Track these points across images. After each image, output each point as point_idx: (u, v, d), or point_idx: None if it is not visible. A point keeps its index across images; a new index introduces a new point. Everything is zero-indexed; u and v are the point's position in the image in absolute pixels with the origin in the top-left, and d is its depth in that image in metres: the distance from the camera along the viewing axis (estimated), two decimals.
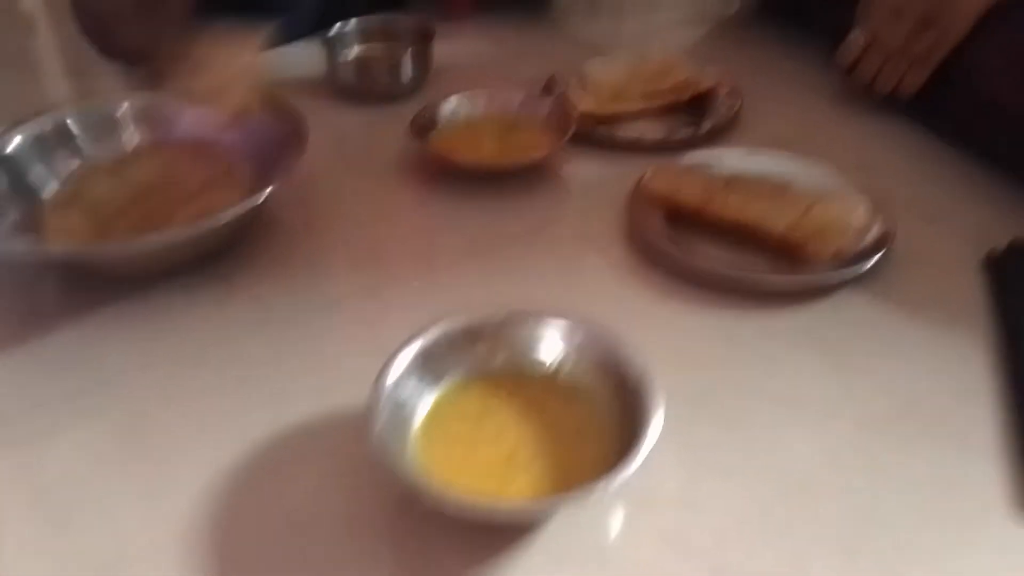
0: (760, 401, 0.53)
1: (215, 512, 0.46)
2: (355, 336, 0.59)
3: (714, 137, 0.81)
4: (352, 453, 0.48)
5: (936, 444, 0.51)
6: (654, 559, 0.44)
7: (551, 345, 0.50)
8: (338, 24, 0.95)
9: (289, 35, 1.01)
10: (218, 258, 0.65)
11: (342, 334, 0.59)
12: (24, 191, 0.67)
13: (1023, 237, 0.64)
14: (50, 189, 0.69)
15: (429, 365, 0.48)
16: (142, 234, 0.64)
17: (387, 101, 0.89)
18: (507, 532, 0.45)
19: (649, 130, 0.83)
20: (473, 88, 0.84)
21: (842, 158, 0.75)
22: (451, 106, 0.81)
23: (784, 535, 0.45)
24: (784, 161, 0.73)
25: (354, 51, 0.96)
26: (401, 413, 0.46)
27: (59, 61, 1.09)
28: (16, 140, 0.69)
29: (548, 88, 0.88)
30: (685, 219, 0.68)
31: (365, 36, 0.96)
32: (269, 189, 0.62)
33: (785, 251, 0.64)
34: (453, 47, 0.99)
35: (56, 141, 0.71)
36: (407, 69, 0.90)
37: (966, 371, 0.56)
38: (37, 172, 0.69)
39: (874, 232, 0.64)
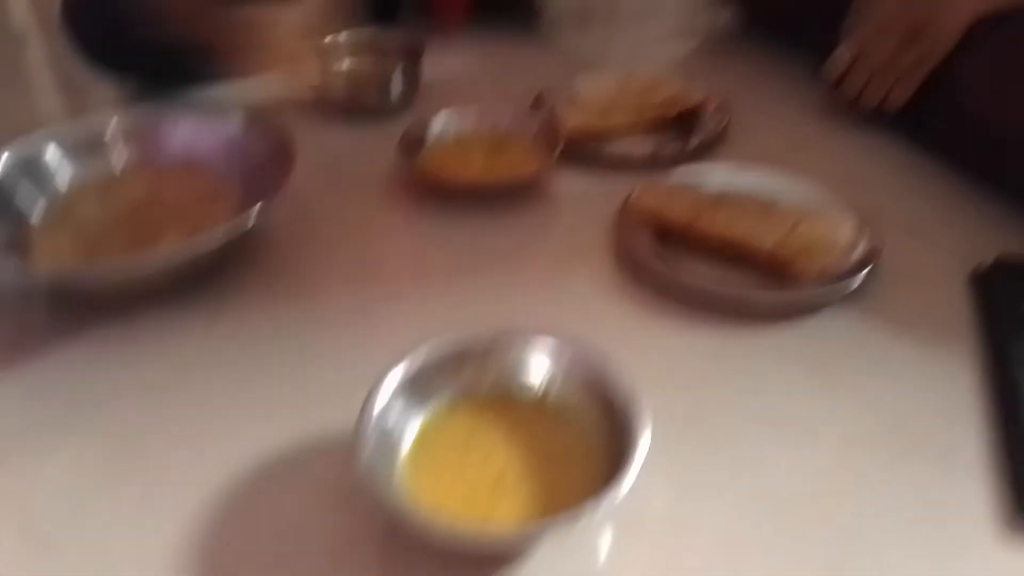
0: (747, 420, 0.54)
1: (202, 538, 0.46)
2: (342, 358, 0.59)
3: (702, 153, 0.81)
4: (339, 479, 0.48)
5: (922, 463, 0.51)
6: None
7: (539, 366, 0.50)
8: (327, 38, 0.95)
9: None
10: (206, 278, 0.65)
11: (330, 356, 0.59)
12: (12, 213, 0.67)
13: (1009, 253, 0.65)
14: (39, 210, 0.69)
15: (416, 389, 0.48)
16: (131, 255, 0.64)
17: (377, 117, 0.90)
18: (496, 558, 0.45)
19: (638, 146, 0.83)
20: (463, 104, 0.84)
21: (829, 173, 0.75)
22: (440, 123, 0.82)
23: (772, 555, 0.46)
24: (771, 177, 0.73)
25: (343, 66, 0.96)
26: (388, 439, 0.46)
27: (50, 76, 1.09)
28: (3, 161, 0.69)
29: (537, 104, 0.88)
30: (673, 236, 0.68)
31: (353, 53, 0.96)
32: (257, 210, 0.62)
33: (773, 268, 0.64)
34: (443, 62, 1.00)
35: (44, 162, 0.71)
36: (397, 85, 0.90)
37: (952, 388, 0.56)
38: (25, 193, 0.69)
39: (861, 249, 0.64)
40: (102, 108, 0.95)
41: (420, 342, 0.49)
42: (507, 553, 0.45)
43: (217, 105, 0.88)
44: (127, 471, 0.51)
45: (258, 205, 0.62)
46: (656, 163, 0.79)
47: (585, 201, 0.76)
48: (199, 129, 0.74)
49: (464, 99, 0.86)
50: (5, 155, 0.69)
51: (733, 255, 0.66)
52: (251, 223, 0.61)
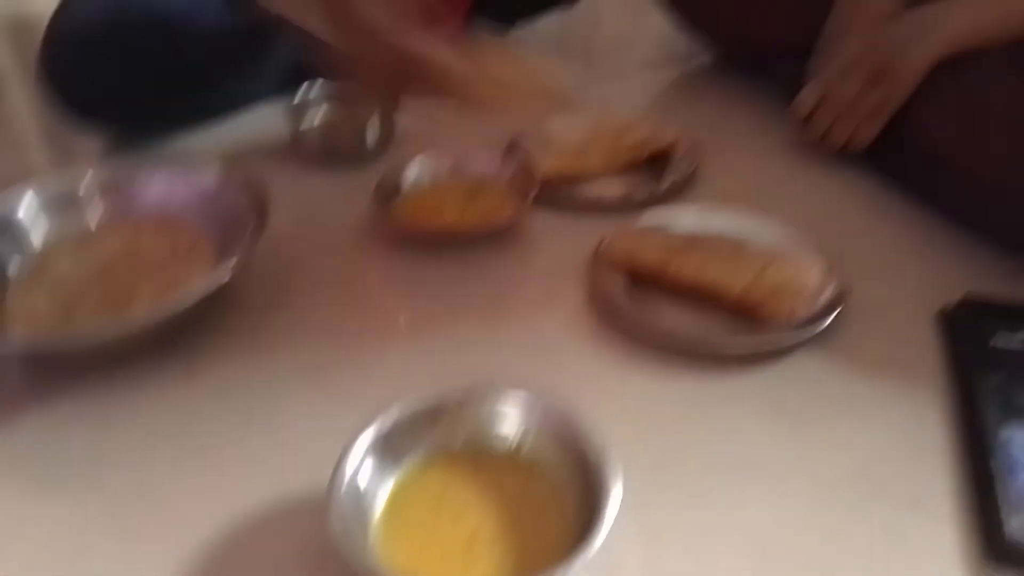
0: (719, 467, 0.54)
1: None
2: (316, 415, 0.59)
3: (674, 194, 0.82)
4: (313, 540, 0.48)
5: (892, 505, 0.51)
6: None
7: (511, 421, 0.50)
8: (302, 89, 0.96)
9: (255, 97, 1.03)
10: (181, 336, 0.65)
11: (303, 413, 0.59)
12: None
13: (974, 292, 0.66)
14: (13, 267, 0.69)
15: (388, 448, 0.48)
16: (106, 314, 0.64)
17: (352, 165, 0.90)
18: None
19: (611, 188, 0.84)
20: (438, 150, 0.85)
21: (798, 213, 0.76)
22: (415, 171, 0.82)
23: None
24: (741, 218, 0.74)
25: (318, 116, 0.97)
26: (361, 499, 0.46)
27: (33, 125, 1.09)
28: None
29: (511, 149, 0.89)
30: (646, 280, 0.69)
31: (328, 101, 0.97)
32: (231, 265, 0.62)
33: (742, 311, 0.65)
34: (418, 107, 1.00)
35: (18, 218, 0.71)
36: (372, 133, 0.91)
37: (921, 429, 0.57)
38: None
39: (829, 291, 0.65)
40: (84, 158, 0.96)
41: (394, 398, 0.50)
42: None
43: (192, 157, 0.89)
44: (101, 537, 0.51)
45: (233, 261, 0.62)
46: (629, 205, 0.80)
47: (559, 244, 0.76)
48: (174, 182, 0.74)
49: (439, 145, 0.87)
50: None
51: (705, 297, 0.67)
52: (226, 279, 0.62)
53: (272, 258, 0.74)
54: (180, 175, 0.75)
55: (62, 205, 0.73)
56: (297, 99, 0.95)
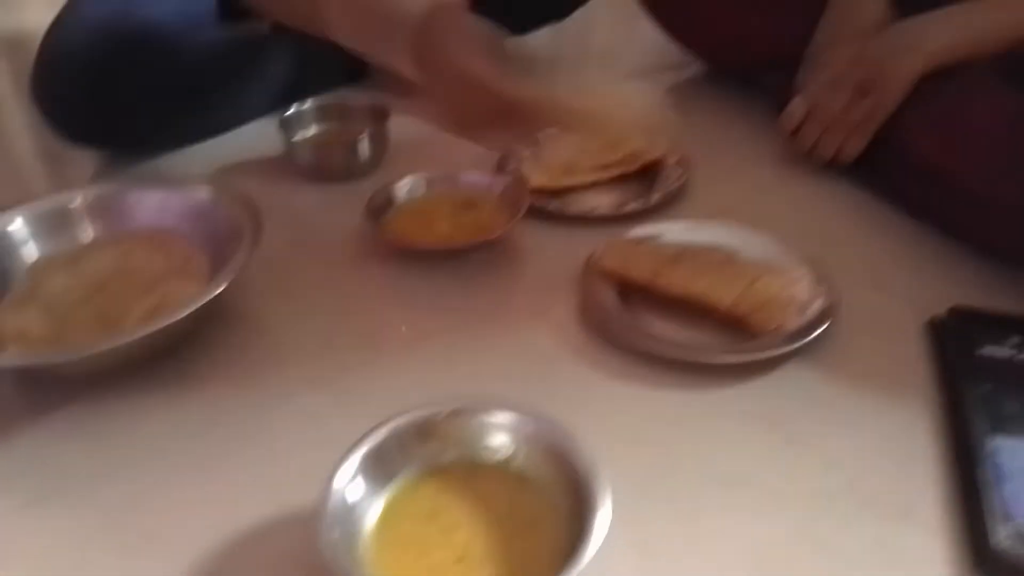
0: (709, 482, 0.54)
1: None
2: (307, 432, 0.59)
3: (663, 207, 0.83)
4: (304, 556, 0.48)
5: (882, 517, 0.52)
6: None
7: (501, 438, 0.50)
8: (294, 105, 0.97)
9: (249, 115, 1.03)
10: (174, 352, 0.65)
11: (294, 430, 0.59)
12: None
13: (962, 303, 0.66)
14: (6, 285, 0.69)
15: (379, 466, 0.48)
16: (100, 329, 0.65)
17: (345, 180, 0.91)
18: None
19: (601, 201, 0.85)
20: (430, 165, 0.85)
21: (787, 224, 0.77)
22: (407, 186, 0.83)
23: None
24: (730, 231, 0.75)
25: (310, 132, 0.97)
26: (352, 517, 0.46)
27: (27, 141, 1.09)
28: None
29: (502, 163, 0.90)
30: (636, 291, 0.69)
31: (321, 117, 0.98)
32: (224, 283, 0.62)
33: (732, 323, 0.66)
34: (411, 122, 1.01)
35: (10, 236, 0.71)
36: (364, 149, 0.92)
37: (910, 440, 0.57)
38: None
39: (818, 303, 0.66)
40: (78, 175, 0.96)
41: (386, 413, 0.50)
42: None
43: (184, 175, 0.89)
44: (98, 548, 0.51)
45: (226, 277, 0.63)
46: (619, 218, 0.81)
47: (550, 258, 0.77)
48: (167, 199, 0.74)
49: (431, 159, 0.87)
50: None
51: (695, 308, 0.67)
52: (217, 295, 0.62)
53: (265, 273, 0.74)
54: (173, 191, 0.75)
55: (55, 222, 0.73)
56: (290, 114, 0.96)
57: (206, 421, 0.60)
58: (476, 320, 0.70)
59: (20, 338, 0.64)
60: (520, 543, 0.46)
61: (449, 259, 0.76)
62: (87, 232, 0.74)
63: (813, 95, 0.86)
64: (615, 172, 0.88)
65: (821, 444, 0.57)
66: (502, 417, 0.51)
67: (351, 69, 1.15)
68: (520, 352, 0.67)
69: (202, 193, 0.74)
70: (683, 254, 0.71)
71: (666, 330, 0.67)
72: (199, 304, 0.61)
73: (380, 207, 0.80)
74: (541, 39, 1.26)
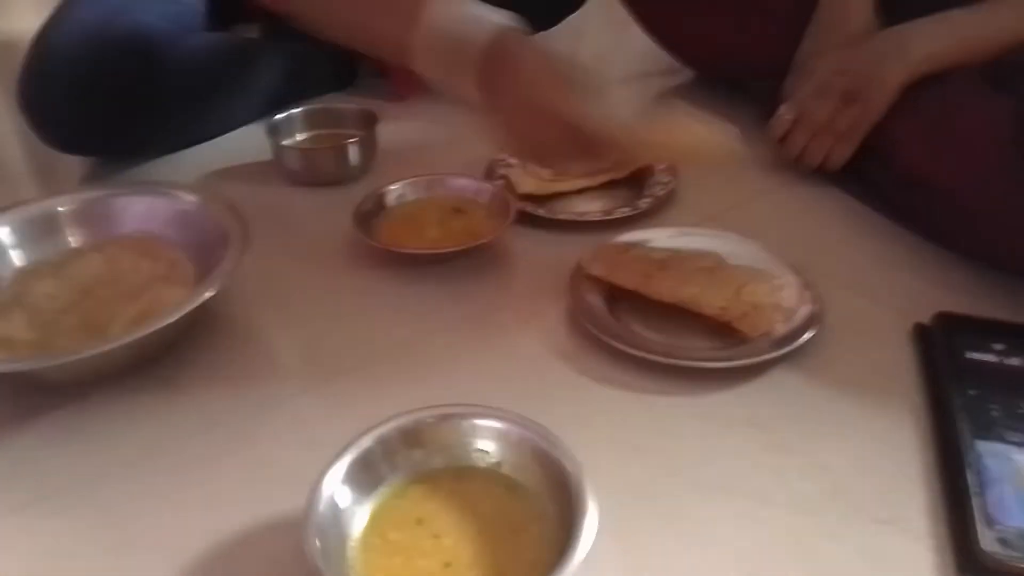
0: (696, 487, 0.54)
1: None
2: (293, 438, 0.59)
3: (652, 213, 0.83)
4: (291, 562, 0.48)
5: (867, 521, 0.52)
6: None
7: (488, 445, 0.50)
8: (283, 111, 0.97)
9: (238, 121, 1.03)
10: (161, 357, 0.65)
11: (281, 435, 0.59)
12: None
13: (948, 310, 0.67)
14: None
15: (366, 472, 0.48)
16: (86, 336, 0.64)
17: (334, 185, 0.91)
18: None
19: (590, 207, 0.85)
20: (419, 170, 0.85)
21: (774, 231, 0.77)
22: (396, 192, 0.83)
23: None
24: (717, 238, 0.75)
25: (299, 138, 0.97)
26: (339, 523, 0.46)
27: (15, 146, 1.08)
28: None
29: (492, 169, 0.90)
30: (625, 297, 0.70)
31: (310, 122, 0.98)
32: (211, 292, 0.62)
33: (721, 328, 0.66)
34: (400, 128, 1.02)
35: None
36: (353, 154, 0.92)
37: (897, 445, 0.57)
38: None
39: (805, 310, 0.66)
40: (66, 180, 0.96)
41: (375, 418, 0.50)
42: None
43: (173, 181, 0.89)
44: (83, 554, 0.51)
45: (213, 282, 0.63)
46: (608, 224, 0.81)
47: (539, 264, 0.77)
48: (153, 206, 0.74)
49: (420, 165, 0.87)
50: None
51: (682, 315, 0.67)
52: (204, 301, 0.62)
53: (253, 279, 0.74)
54: (159, 197, 0.75)
55: (41, 227, 0.73)
56: (278, 120, 0.96)
57: (193, 427, 0.60)
58: (464, 325, 0.70)
59: (5, 344, 0.64)
60: (507, 549, 0.46)
61: (438, 264, 0.76)
62: (73, 238, 0.74)
63: (800, 103, 0.87)
64: (604, 178, 0.88)
65: (808, 449, 0.57)
66: (489, 423, 0.51)
67: (340, 75, 1.16)
68: (508, 357, 0.67)
69: (189, 199, 0.74)
70: (671, 260, 0.71)
71: (654, 335, 0.67)
72: (185, 310, 0.61)
73: (369, 212, 0.80)
74: None
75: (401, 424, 0.50)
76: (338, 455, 0.48)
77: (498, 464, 0.50)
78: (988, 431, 0.56)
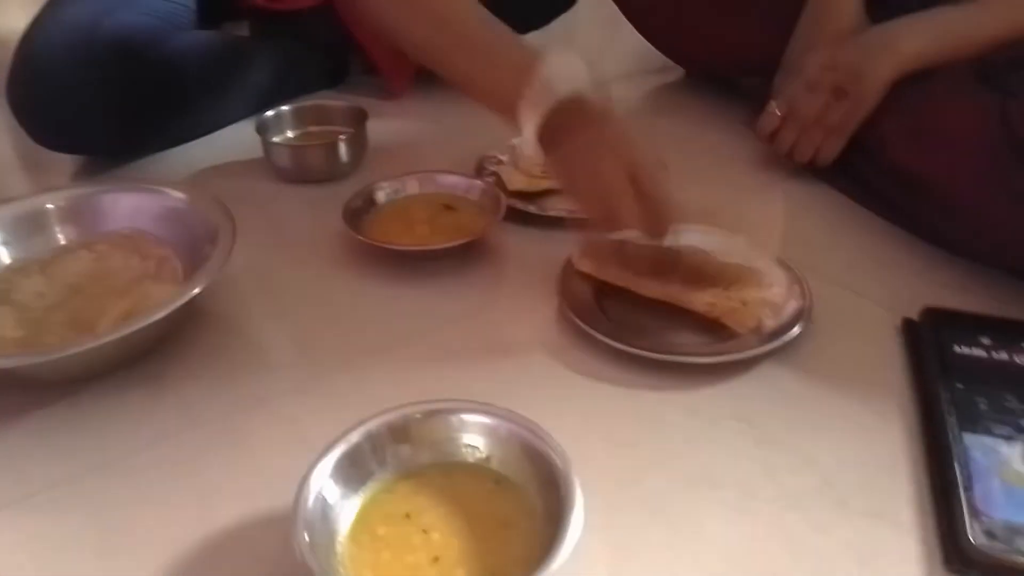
0: (684, 481, 0.55)
1: None
2: (282, 435, 0.59)
3: None
4: (280, 559, 0.48)
5: (855, 517, 0.52)
6: None
7: (477, 440, 0.50)
8: (273, 109, 0.97)
9: (228, 120, 1.03)
10: (149, 355, 0.65)
11: (269, 433, 0.59)
12: None
13: (936, 305, 0.67)
14: None
15: (355, 465, 0.48)
16: (74, 332, 0.64)
17: (325, 182, 0.91)
18: None
19: None
20: (409, 167, 0.85)
21: (764, 226, 0.77)
22: (386, 188, 0.83)
23: None
24: (707, 233, 0.75)
25: (289, 135, 0.97)
26: (328, 517, 0.46)
27: (9, 146, 1.08)
28: None
29: (481, 166, 0.90)
30: (614, 293, 0.70)
31: (299, 120, 0.98)
32: (199, 288, 0.62)
33: (710, 323, 0.66)
34: (390, 125, 1.02)
35: None
36: (342, 151, 0.91)
37: (884, 439, 0.58)
38: None
39: (793, 305, 0.66)
40: (56, 177, 0.95)
41: (364, 415, 0.50)
42: None
43: (163, 178, 0.89)
44: (71, 551, 0.51)
45: (201, 279, 0.62)
46: None
47: (530, 261, 0.77)
48: (141, 203, 0.74)
49: (410, 162, 0.87)
50: None
51: (671, 310, 0.68)
52: (193, 297, 0.62)
53: (243, 275, 0.74)
54: (148, 194, 0.75)
55: (30, 224, 0.73)
56: (268, 117, 0.96)
57: (182, 423, 0.60)
58: (454, 321, 0.70)
59: None
60: (495, 544, 0.46)
61: (428, 261, 0.76)
62: (62, 235, 0.73)
63: (790, 99, 0.87)
64: None
65: (796, 443, 0.57)
66: (478, 418, 0.51)
67: (331, 73, 1.16)
68: (498, 353, 0.67)
69: (178, 196, 0.74)
70: (659, 257, 0.71)
71: (643, 331, 0.67)
72: (173, 307, 0.60)
73: (359, 209, 0.80)
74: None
75: (389, 420, 0.50)
76: (326, 451, 0.48)
77: (487, 459, 0.50)
78: (975, 424, 0.56)
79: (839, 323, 0.67)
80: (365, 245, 0.77)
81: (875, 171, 0.82)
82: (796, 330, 0.64)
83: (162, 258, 0.71)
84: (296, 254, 0.80)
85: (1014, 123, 0.70)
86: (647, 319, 0.68)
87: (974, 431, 0.56)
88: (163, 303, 0.61)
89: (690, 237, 0.74)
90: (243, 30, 1.18)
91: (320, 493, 0.46)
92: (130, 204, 0.74)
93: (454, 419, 0.51)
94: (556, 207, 0.84)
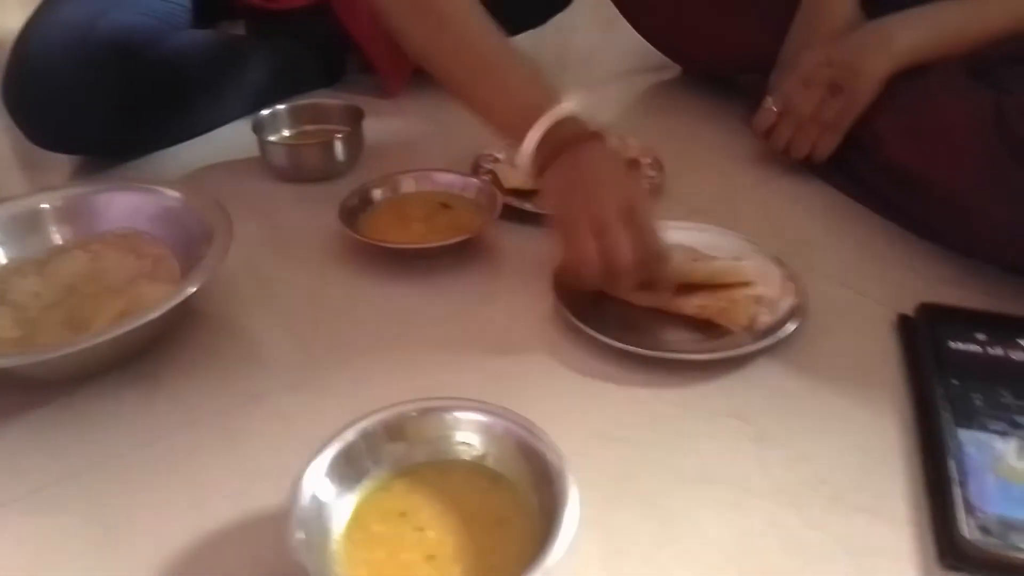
0: (678, 480, 0.55)
1: None
2: (277, 434, 0.59)
3: None
4: (274, 557, 0.48)
5: (850, 513, 0.52)
6: None
7: (471, 437, 0.50)
8: (269, 108, 0.97)
9: (226, 117, 1.03)
10: (145, 354, 0.65)
11: (264, 432, 0.59)
12: None
13: (931, 301, 0.67)
14: None
15: (349, 465, 0.48)
16: (69, 332, 0.64)
17: (320, 181, 0.91)
18: None
19: None
20: (405, 166, 0.85)
21: (759, 224, 0.78)
22: (382, 187, 0.83)
23: None
24: (703, 231, 0.75)
25: (285, 134, 0.97)
26: (322, 515, 0.46)
27: (7, 146, 1.08)
28: None
29: (477, 164, 0.90)
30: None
31: (295, 119, 0.98)
32: (194, 288, 0.62)
33: (705, 320, 0.66)
34: (386, 124, 1.02)
35: None
36: (339, 150, 0.91)
37: (879, 436, 0.58)
38: None
39: (788, 301, 0.66)
40: (53, 176, 0.95)
41: (359, 412, 0.50)
42: None
43: (160, 177, 0.89)
44: (65, 550, 0.51)
45: (196, 281, 0.62)
46: None
47: (525, 259, 0.77)
48: (137, 202, 0.74)
49: (406, 160, 0.87)
50: None
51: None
52: (188, 296, 0.62)
53: (239, 274, 0.74)
54: (144, 193, 0.75)
55: (25, 224, 0.73)
56: (264, 116, 0.96)
57: (177, 422, 0.60)
58: (450, 319, 0.70)
59: None
60: (490, 541, 0.46)
61: (424, 259, 0.76)
62: (58, 235, 0.73)
63: (786, 95, 0.87)
64: None
65: (791, 439, 0.57)
66: (473, 415, 0.51)
67: (327, 72, 1.16)
68: (493, 351, 0.67)
69: (174, 195, 0.74)
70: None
71: (638, 328, 0.67)
72: (169, 306, 0.60)
73: (355, 208, 0.80)
74: (522, 39, 1.26)
75: (384, 417, 0.50)
76: (321, 449, 0.48)
77: (482, 457, 0.50)
78: (970, 420, 0.56)
79: (834, 319, 0.68)
80: (361, 243, 0.77)
81: (870, 167, 0.82)
82: (791, 326, 0.64)
83: (158, 257, 0.71)
84: (292, 253, 0.80)
85: (1009, 120, 0.70)
86: (642, 316, 0.68)
87: (969, 427, 0.56)
88: (159, 303, 0.61)
89: (684, 235, 0.74)
90: (239, 29, 1.18)
91: (315, 491, 0.46)
92: (126, 204, 0.74)
93: (449, 417, 0.51)
94: None
